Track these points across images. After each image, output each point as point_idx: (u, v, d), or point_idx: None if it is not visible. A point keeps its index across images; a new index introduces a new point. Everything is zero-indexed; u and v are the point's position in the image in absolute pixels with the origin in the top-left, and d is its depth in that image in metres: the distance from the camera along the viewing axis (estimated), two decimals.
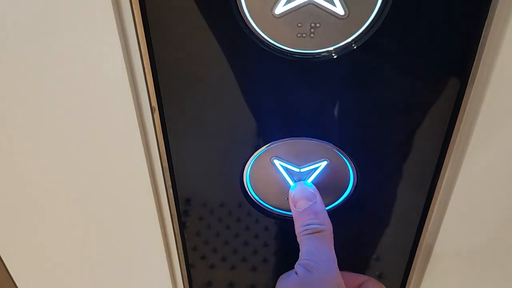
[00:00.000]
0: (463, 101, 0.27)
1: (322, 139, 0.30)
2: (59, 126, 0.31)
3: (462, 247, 0.36)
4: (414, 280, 0.40)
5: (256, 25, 0.25)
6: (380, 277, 0.40)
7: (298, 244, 0.31)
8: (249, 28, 0.25)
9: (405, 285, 0.40)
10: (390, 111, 0.28)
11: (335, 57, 0.26)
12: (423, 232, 0.36)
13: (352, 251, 0.38)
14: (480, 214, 0.34)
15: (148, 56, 0.27)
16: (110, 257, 0.39)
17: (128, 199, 0.35)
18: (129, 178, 0.34)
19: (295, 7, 0.24)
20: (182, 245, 0.38)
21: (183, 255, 0.38)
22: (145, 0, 0.25)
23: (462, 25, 0.25)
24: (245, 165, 0.33)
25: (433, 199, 0.33)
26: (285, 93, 0.28)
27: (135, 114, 0.29)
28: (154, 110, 0.30)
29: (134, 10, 0.25)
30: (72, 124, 0.30)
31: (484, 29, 0.25)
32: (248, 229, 0.37)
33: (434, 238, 0.36)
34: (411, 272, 0.40)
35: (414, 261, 0.39)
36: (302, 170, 0.33)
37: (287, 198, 0.34)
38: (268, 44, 0.26)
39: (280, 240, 0.38)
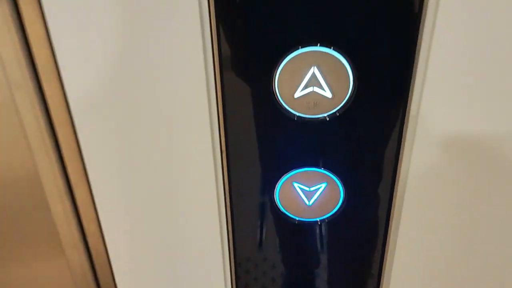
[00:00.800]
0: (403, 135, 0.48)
1: (323, 168, 0.50)
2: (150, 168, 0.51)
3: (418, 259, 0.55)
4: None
5: (284, 103, 0.46)
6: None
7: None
8: (280, 104, 0.46)
9: None
10: (363, 149, 0.49)
11: (328, 120, 0.47)
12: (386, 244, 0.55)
13: (337, 261, 0.57)
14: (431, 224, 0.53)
15: (223, 115, 0.48)
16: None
17: (193, 211, 0.54)
18: (198, 194, 0.53)
19: (305, 94, 0.46)
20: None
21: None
22: (223, 80, 0.46)
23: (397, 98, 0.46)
24: (275, 187, 0.52)
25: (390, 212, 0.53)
26: (300, 141, 0.49)
27: (212, 153, 0.50)
28: (222, 152, 0.51)
29: (217, 87, 0.47)
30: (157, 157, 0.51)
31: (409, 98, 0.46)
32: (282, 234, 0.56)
33: (393, 251, 0.54)
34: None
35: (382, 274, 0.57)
36: (311, 189, 0.53)
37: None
38: (291, 113, 0.47)
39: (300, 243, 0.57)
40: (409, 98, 0.45)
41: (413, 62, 0.43)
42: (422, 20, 0.41)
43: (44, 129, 0.51)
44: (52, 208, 0.57)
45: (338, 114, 0.46)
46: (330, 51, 0.43)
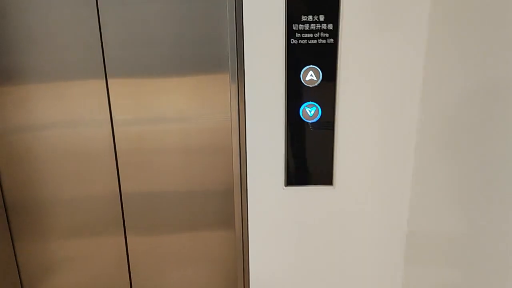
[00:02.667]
0: None
1: (313, 102, 1.65)
2: None
3: None
4: None
5: (305, 85, 1.63)
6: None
7: None
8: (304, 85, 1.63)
9: None
10: (322, 99, 1.65)
11: (315, 88, 1.63)
12: None
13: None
14: None
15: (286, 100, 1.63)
16: None
17: None
18: None
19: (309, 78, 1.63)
20: None
21: None
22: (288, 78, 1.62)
23: None
24: (299, 110, 1.66)
25: None
26: (307, 94, 1.64)
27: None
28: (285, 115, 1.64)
29: None
30: None
31: None
32: None
33: None
34: None
35: None
36: (311, 110, 1.66)
37: None
38: (305, 86, 1.63)
39: None
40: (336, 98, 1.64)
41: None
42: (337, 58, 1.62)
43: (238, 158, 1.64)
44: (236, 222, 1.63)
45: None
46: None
